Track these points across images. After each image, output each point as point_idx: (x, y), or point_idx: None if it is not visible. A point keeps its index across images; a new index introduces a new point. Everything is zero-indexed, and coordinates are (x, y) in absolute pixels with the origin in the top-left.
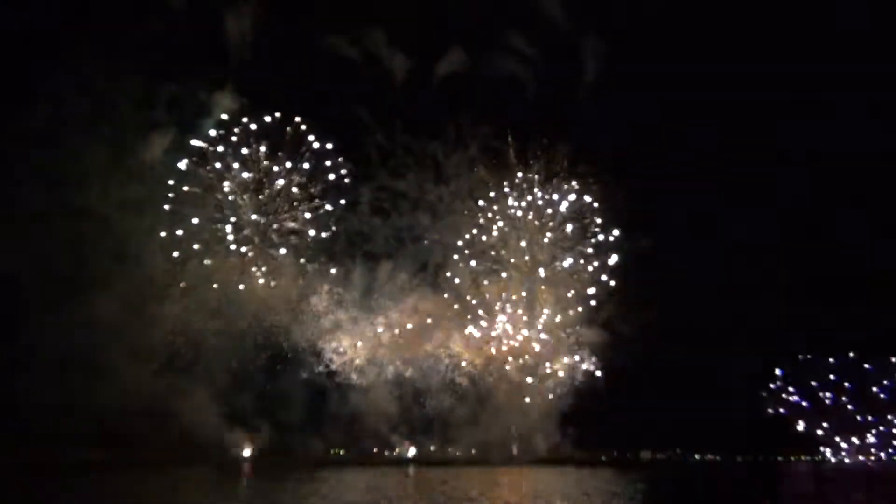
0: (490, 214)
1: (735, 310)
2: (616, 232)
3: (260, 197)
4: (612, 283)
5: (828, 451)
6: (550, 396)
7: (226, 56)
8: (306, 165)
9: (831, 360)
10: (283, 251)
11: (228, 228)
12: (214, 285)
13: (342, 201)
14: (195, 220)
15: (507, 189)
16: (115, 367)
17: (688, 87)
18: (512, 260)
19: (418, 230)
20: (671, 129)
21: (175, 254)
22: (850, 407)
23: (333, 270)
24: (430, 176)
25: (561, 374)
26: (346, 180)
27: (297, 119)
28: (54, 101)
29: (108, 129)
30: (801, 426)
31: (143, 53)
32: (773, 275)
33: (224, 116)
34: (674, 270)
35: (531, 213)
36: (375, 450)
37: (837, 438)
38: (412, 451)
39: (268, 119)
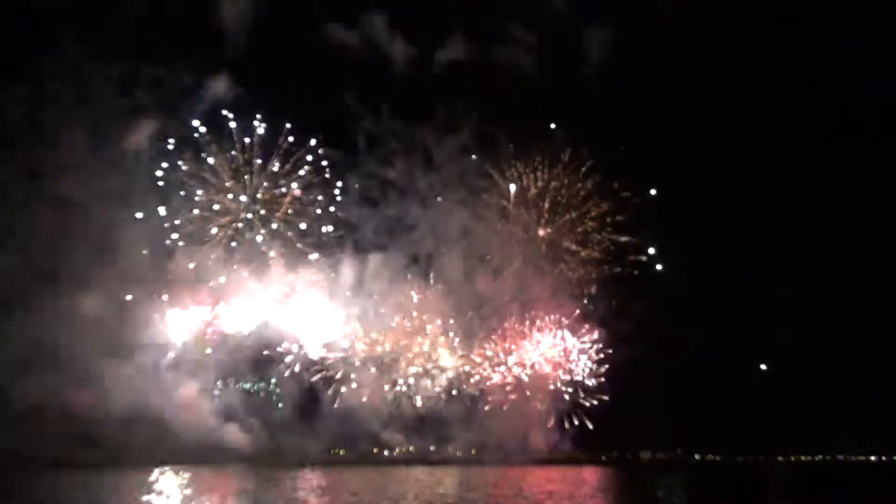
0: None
1: (735, 308)
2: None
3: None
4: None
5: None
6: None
7: (220, 41)
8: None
9: None
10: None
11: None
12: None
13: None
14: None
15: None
16: (97, 364)
17: (691, 79)
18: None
19: (408, 220)
20: (672, 121)
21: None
22: None
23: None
24: (420, 163)
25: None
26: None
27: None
28: (33, 86)
29: (89, 115)
30: None
31: (130, 35)
32: (774, 272)
33: None
34: (673, 266)
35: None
36: (375, 450)
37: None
38: None
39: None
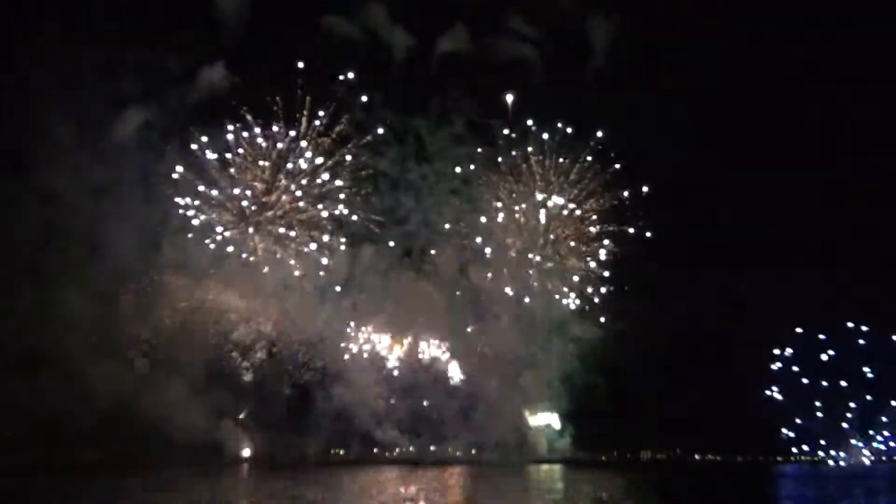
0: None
1: (736, 307)
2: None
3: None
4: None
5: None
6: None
7: (217, 29)
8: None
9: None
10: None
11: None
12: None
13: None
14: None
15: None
16: (84, 363)
17: (694, 72)
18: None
19: (401, 212)
20: (674, 115)
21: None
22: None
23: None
24: (413, 154)
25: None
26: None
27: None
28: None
29: (75, 104)
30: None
31: (118, 19)
32: (776, 271)
33: None
34: (673, 263)
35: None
36: (376, 450)
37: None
38: None
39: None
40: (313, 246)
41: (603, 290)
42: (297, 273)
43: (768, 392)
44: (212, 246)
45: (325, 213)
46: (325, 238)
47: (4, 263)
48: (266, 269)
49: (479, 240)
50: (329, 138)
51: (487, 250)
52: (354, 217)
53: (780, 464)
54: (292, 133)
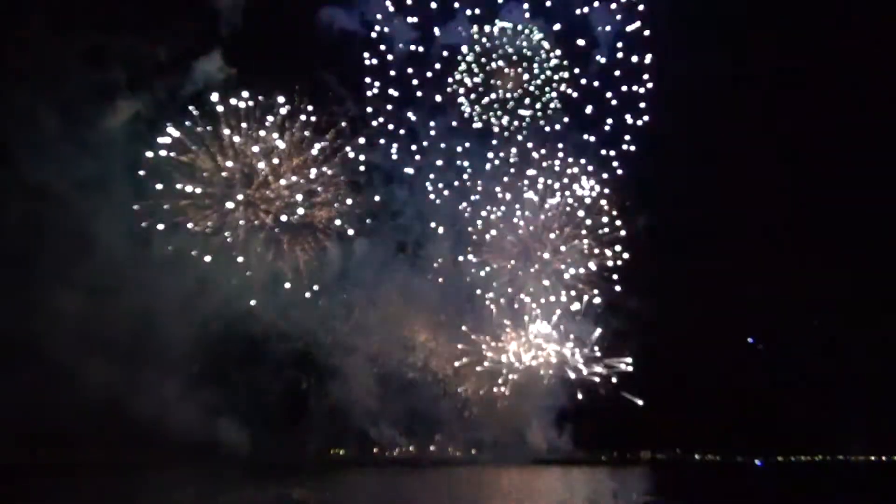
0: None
1: (735, 305)
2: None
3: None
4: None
5: None
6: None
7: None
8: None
9: None
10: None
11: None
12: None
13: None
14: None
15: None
16: (73, 361)
17: (698, 68)
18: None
19: (395, 206)
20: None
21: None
22: None
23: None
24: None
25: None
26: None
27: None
28: None
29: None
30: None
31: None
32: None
33: None
34: (671, 261)
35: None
36: (376, 450)
37: None
38: None
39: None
40: (306, 241)
41: (602, 290)
42: (289, 269)
43: (761, 385)
44: (205, 243)
45: (318, 209)
46: (318, 233)
47: None
48: (258, 265)
49: (474, 236)
50: (324, 132)
51: (484, 248)
52: (348, 211)
53: (781, 463)
54: (287, 126)
